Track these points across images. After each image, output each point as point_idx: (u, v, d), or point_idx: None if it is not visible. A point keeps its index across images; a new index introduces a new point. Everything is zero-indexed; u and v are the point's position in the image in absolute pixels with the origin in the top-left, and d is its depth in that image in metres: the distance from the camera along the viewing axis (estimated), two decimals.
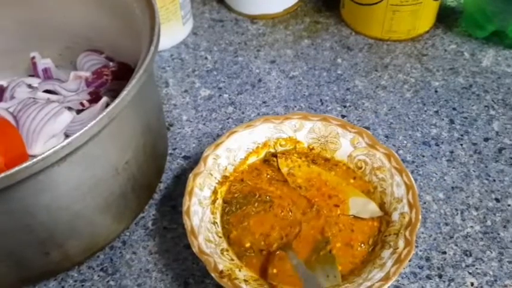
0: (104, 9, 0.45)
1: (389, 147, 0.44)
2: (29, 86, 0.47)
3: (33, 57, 0.49)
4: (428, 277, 0.39)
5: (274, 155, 0.44)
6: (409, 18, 0.56)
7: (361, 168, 0.42)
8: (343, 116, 0.51)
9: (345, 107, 0.52)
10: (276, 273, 0.37)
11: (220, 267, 0.35)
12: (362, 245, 0.38)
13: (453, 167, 0.46)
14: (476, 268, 0.40)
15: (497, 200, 0.44)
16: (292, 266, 0.35)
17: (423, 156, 0.47)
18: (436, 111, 0.51)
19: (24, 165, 0.27)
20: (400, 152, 0.48)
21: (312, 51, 0.58)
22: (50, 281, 0.40)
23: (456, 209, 0.43)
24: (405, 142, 0.49)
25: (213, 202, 0.40)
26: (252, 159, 0.44)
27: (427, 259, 0.40)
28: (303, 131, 0.44)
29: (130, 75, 0.33)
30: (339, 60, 0.57)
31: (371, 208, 0.40)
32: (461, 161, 0.47)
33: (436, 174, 0.46)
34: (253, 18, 0.62)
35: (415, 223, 0.37)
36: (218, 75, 0.56)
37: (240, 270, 0.36)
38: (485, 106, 0.51)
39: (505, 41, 0.57)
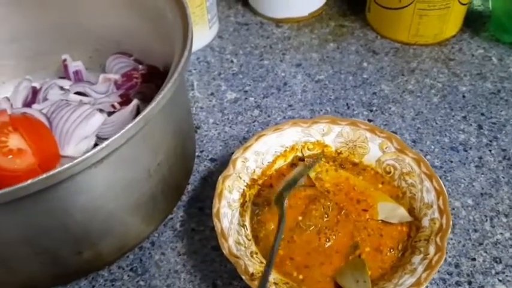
0: (135, 12, 0.46)
1: (417, 152, 0.43)
2: (61, 88, 0.48)
3: (65, 60, 0.50)
4: (458, 284, 0.39)
5: (302, 159, 0.44)
6: (437, 22, 0.56)
7: (389, 173, 0.42)
8: (369, 121, 0.51)
9: (371, 111, 0.52)
10: (302, 279, 0.37)
11: (251, 269, 0.35)
12: (391, 250, 0.38)
13: (482, 173, 0.46)
14: (507, 275, 0.39)
15: None
16: None
17: (451, 161, 0.47)
18: (464, 117, 0.51)
19: (65, 166, 0.27)
20: (428, 157, 0.47)
21: (337, 55, 0.58)
22: (81, 280, 0.40)
23: (485, 216, 0.43)
24: (433, 147, 0.48)
25: (242, 205, 0.40)
26: (280, 162, 0.44)
27: (456, 265, 0.40)
28: (331, 135, 0.44)
29: (159, 78, 0.34)
30: (365, 64, 0.57)
31: (400, 213, 0.40)
32: (490, 167, 0.46)
33: (465, 180, 0.46)
34: (278, 22, 0.63)
35: (446, 229, 0.37)
36: (244, 78, 0.56)
37: None
38: None
39: None
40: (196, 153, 0.49)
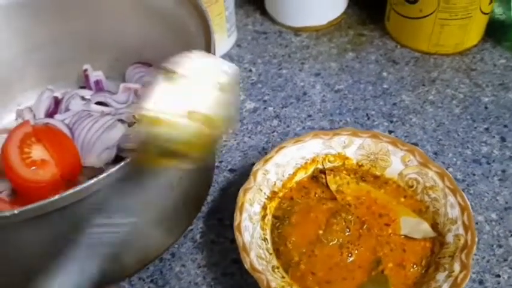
0: (157, 22, 0.46)
1: (439, 164, 0.43)
2: (82, 98, 0.48)
3: (86, 70, 0.50)
4: None
5: (323, 171, 0.44)
6: (458, 31, 0.55)
7: (412, 186, 0.42)
8: (390, 132, 0.50)
9: (391, 122, 0.51)
10: None
11: (273, 284, 0.35)
12: (414, 266, 0.38)
13: (505, 187, 0.45)
14: None
15: None
16: None
17: (474, 174, 0.46)
18: (487, 128, 0.50)
19: (100, 177, 0.28)
20: (450, 169, 0.47)
21: (356, 65, 0.58)
22: None
23: (510, 230, 0.42)
24: (455, 160, 0.48)
25: (263, 218, 0.40)
26: (300, 175, 0.44)
27: (480, 282, 0.40)
28: (352, 147, 0.44)
29: None
30: (385, 74, 0.57)
31: (423, 228, 0.39)
32: None
33: (488, 193, 0.45)
34: (296, 31, 0.62)
35: (471, 246, 0.36)
36: (263, 87, 0.56)
37: None
38: None
39: None
40: (216, 164, 0.49)
